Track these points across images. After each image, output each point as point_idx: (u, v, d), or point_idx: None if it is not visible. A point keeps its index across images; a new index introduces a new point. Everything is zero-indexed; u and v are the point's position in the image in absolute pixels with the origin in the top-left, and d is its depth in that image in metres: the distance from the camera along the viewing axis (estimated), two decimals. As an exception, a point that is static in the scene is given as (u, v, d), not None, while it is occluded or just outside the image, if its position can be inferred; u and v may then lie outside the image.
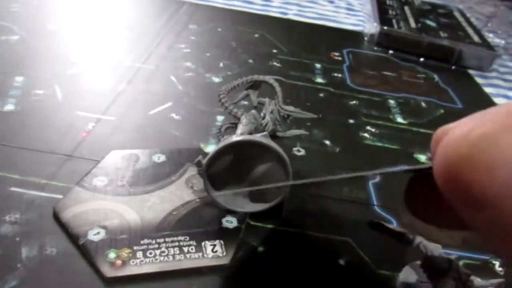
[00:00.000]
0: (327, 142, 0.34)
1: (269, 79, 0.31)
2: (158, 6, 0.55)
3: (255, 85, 0.32)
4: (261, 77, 0.31)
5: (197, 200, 0.25)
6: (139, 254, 0.22)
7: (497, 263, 0.25)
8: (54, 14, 0.48)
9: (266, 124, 0.28)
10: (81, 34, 0.45)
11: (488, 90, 0.50)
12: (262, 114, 0.30)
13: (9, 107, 0.31)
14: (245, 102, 0.33)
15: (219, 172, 0.25)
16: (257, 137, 0.24)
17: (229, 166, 0.25)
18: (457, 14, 0.67)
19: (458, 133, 0.12)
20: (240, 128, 0.27)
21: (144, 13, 0.53)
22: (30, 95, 0.33)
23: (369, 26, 0.57)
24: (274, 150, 0.24)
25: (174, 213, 0.24)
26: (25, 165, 0.26)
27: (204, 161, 0.24)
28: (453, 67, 0.54)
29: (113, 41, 0.44)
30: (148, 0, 0.57)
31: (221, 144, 0.24)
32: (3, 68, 0.36)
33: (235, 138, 0.24)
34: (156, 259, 0.21)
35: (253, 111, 0.29)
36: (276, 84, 0.31)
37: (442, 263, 0.21)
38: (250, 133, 0.27)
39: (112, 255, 0.21)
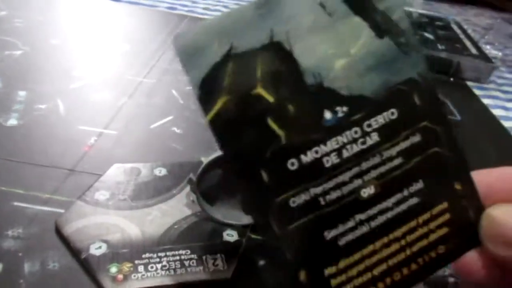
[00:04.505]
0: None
1: None
2: (159, 21, 0.56)
3: None
4: None
5: (198, 213, 0.26)
6: (141, 268, 0.22)
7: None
8: (57, 29, 0.49)
9: None
10: (84, 48, 0.45)
11: (486, 101, 0.50)
12: None
13: (12, 121, 0.32)
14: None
15: (212, 187, 0.25)
16: None
17: (221, 180, 0.25)
18: (454, 27, 0.68)
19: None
20: None
21: (145, 28, 0.54)
22: (33, 110, 0.33)
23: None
24: None
25: (176, 226, 0.25)
26: (28, 180, 0.26)
27: (194, 178, 0.24)
28: (451, 79, 0.54)
29: (114, 55, 0.45)
30: (149, 14, 0.58)
31: (208, 159, 0.24)
32: (7, 83, 0.36)
33: (220, 152, 0.24)
34: (158, 273, 0.22)
35: None
36: None
37: (445, 276, 0.21)
38: None
39: (113, 269, 0.21)
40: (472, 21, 0.79)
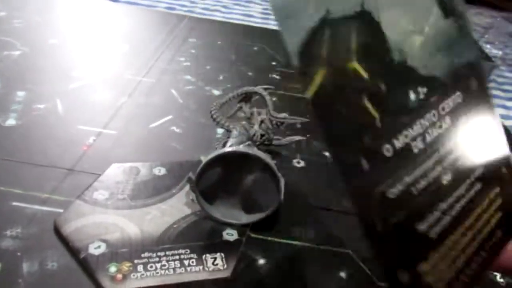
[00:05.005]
0: (327, 153, 0.34)
1: (259, 89, 0.31)
2: (159, 21, 0.56)
3: (247, 97, 0.32)
4: (251, 89, 0.32)
5: (198, 213, 0.25)
6: (140, 268, 0.22)
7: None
8: (56, 29, 0.49)
9: (254, 134, 0.29)
10: (83, 49, 0.45)
11: (486, 100, 0.50)
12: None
13: (11, 121, 0.31)
14: (243, 114, 0.33)
15: (211, 186, 0.25)
16: (240, 148, 0.24)
17: (220, 179, 0.25)
18: (454, 26, 0.68)
19: None
20: (230, 141, 0.27)
21: (144, 28, 0.54)
22: (31, 110, 0.33)
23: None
24: (258, 159, 0.24)
25: (175, 226, 0.24)
26: (26, 180, 0.26)
27: (194, 177, 0.24)
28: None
29: (113, 55, 0.45)
30: (148, 14, 0.58)
31: (207, 158, 0.24)
32: (5, 83, 0.36)
33: (219, 151, 0.24)
34: (157, 273, 0.21)
35: (244, 122, 0.30)
36: (265, 93, 0.31)
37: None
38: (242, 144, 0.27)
39: (112, 269, 0.21)
40: (472, 20, 0.79)
